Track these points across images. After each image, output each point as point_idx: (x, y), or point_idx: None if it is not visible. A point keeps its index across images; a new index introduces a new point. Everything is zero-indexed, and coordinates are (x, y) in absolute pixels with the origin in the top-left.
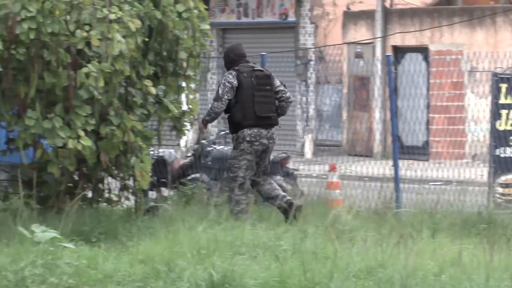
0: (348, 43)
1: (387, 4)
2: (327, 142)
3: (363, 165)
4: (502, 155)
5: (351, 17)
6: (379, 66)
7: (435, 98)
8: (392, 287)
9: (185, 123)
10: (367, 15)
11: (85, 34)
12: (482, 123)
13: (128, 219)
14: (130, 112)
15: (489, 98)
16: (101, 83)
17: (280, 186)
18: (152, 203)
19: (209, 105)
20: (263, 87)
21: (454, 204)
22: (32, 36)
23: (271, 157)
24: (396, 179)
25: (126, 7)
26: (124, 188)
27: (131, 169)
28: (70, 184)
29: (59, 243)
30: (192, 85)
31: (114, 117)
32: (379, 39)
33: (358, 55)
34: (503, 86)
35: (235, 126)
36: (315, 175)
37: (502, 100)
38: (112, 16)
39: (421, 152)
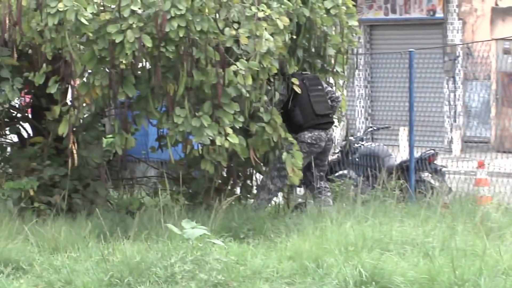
0: (496, 39)
1: None
2: (475, 138)
3: None
4: None
5: (499, 13)
6: None
7: None
8: None
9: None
10: None
11: (233, 32)
12: None
13: (276, 215)
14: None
15: None
16: (249, 81)
17: (428, 182)
18: (300, 200)
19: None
20: (316, 87)
21: None
22: (181, 34)
23: (418, 153)
24: None
25: (275, 4)
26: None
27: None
28: (219, 181)
29: (208, 240)
30: (340, 82)
31: (264, 114)
32: None
33: (506, 51)
34: None
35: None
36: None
37: None
38: (261, 14)
39: None
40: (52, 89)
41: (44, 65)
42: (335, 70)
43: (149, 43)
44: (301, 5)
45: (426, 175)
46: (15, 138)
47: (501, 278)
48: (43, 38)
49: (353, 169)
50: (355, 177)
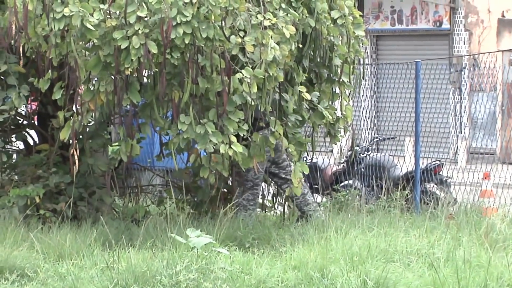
0: (503, 51)
1: None
2: (481, 149)
3: None
4: None
5: (506, 24)
6: None
7: None
8: None
9: (339, 129)
10: None
11: (239, 40)
12: None
13: (281, 225)
14: (284, 118)
15: None
16: (255, 89)
17: (433, 193)
18: (305, 209)
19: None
20: None
21: None
22: (187, 41)
23: (424, 164)
24: None
25: (281, 13)
26: (277, 194)
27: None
28: (225, 190)
29: (213, 248)
30: (346, 92)
31: (273, 123)
32: None
33: None
34: None
35: None
36: (468, 183)
37: None
38: (267, 23)
39: None
40: (57, 95)
41: (50, 71)
42: (341, 80)
43: (154, 50)
44: (307, 15)
45: (431, 186)
46: (21, 145)
47: None
48: (48, 44)
49: (359, 179)
50: (360, 187)
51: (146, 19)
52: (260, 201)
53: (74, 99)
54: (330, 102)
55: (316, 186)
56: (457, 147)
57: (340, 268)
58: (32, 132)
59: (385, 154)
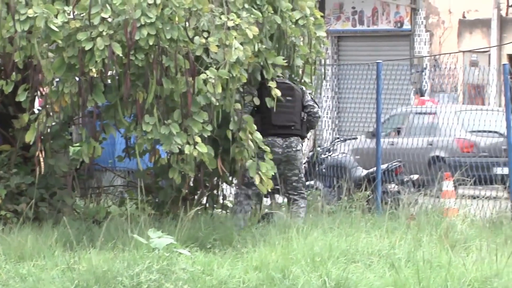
0: (464, 52)
1: (503, 13)
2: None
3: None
4: None
5: (466, 25)
6: (495, 74)
7: None
8: None
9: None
10: (482, 24)
11: (203, 40)
12: None
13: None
14: None
15: None
16: (219, 90)
17: (395, 194)
18: (266, 210)
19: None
20: (284, 97)
21: None
22: (151, 42)
23: (385, 165)
24: None
25: (244, 14)
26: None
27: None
28: (186, 191)
29: (174, 249)
30: (309, 92)
31: (233, 123)
32: (495, 47)
33: (474, 64)
34: None
35: None
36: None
37: None
38: (230, 23)
39: None
40: (21, 97)
41: (14, 73)
42: (303, 80)
43: (119, 51)
44: (272, 12)
45: (392, 187)
46: None
47: None
48: (13, 46)
49: (320, 180)
50: (322, 188)
51: (110, 20)
52: (221, 201)
53: (41, 101)
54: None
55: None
56: None
57: (302, 269)
58: None
59: (346, 154)
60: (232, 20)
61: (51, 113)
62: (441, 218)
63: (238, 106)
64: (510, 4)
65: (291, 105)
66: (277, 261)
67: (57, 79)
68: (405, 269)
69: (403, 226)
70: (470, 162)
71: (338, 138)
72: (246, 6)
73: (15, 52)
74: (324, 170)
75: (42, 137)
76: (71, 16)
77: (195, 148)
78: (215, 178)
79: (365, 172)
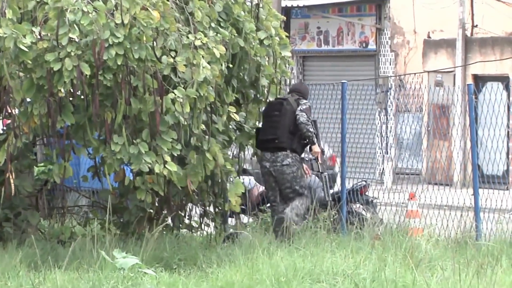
0: (429, 72)
1: (468, 33)
2: (406, 170)
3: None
4: None
5: (431, 45)
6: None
7: None
8: None
9: None
10: (447, 44)
11: (171, 60)
12: None
13: (208, 245)
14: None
15: None
16: (187, 109)
17: (359, 214)
18: (231, 230)
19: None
20: (272, 112)
21: None
22: (119, 62)
23: (350, 185)
24: (476, 208)
25: (211, 33)
26: (204, 214)
27: (213, 195)
28: (151, 210)
29: (139, 269)
30: None
31: (204, 142)
32: (460, 67)
33: (438, 84)
34: None
35: None
36: (394, 203)
37: None
38: (198, 42)
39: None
40: None
41: None
42: (268, 100)
43: (87, 71)
44: (235, 34)
45: (357, 207)
46: None
47: None
48: None
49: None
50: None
51: (78, 40)
52: (187, 221)
53: (6, 121)
54: (257, 123)
55: (243, 207)
56: (383, 168)
57: None
58: None
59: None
60: (199, 39)
61: (19, 134)
62: (405, 238)
63: (202, 127)
64: (475, 25)
65: (277, 120)
66: (242, 281)
67: (28, 100)
68: None
69: (368, 246)
70: None
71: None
72: (213, 25)
73: None
74: None
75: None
76: (39, 37)
77: (165, 167)
78: (182, 198)
79: (330, 192)
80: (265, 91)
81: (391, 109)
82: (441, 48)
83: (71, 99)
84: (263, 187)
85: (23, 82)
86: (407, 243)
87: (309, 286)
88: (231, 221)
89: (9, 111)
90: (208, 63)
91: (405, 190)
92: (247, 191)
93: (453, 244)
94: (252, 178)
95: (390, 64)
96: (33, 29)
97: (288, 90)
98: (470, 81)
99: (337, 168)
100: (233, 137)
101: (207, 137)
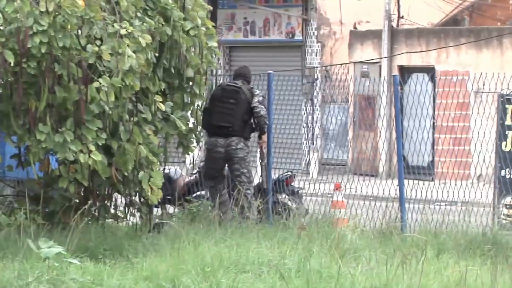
0: (355, 63)
1: (394, 24)
2: (332, 161)
3: (368, 184)
4: (508, 176)
5: (357, 36)
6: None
7: (440, 119)
8: None
9: (192, 140)
10: (373, 35)
11: (96, 48)
12: (488, 144)
13: (134, 235)
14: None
15: (495, 119)
16: (112, 98)
17: (285, 204)
18: (157, 220)
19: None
20: (226, 99)
21: (459, 225)
22: (43, 50)
23: (276, 175)
24: (401, 198)
25: (137, 22)
26: (130, 204)
27: (139, 185)
28: (77, 200)
29: (64, 259)
30: (199, 103)
31: (124, 132)
32: (386, 58)
33: (364, 75)
34: (509, 108)
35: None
36: (320, 194)
37: (508, 121)
38: (123, 31)
39: (426, 172)
40: None
41: None
42: (193, 91)
43: (11, 59)
44: (163, 23)
45: (283, 197)
46: None
47: None
48: None
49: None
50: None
51: (2, 28)
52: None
53: None
54: (184, 113)
55: (169, 197)
56: (309, 158)
57: (192, 279)
58: None
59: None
60: (125, 28)
61: None
62: (331, 228)
63: (125, 116)
64: (401, 16)
65: (232, 107)
66: (167, 271)
67: None
68: (295, 279)
69: (294, 236)
70: None
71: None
72: (139, 14)
73: None
74: None
75: None
76: None
77: (89, 156)
78: (107, 188)
79: (256, 182)
80: (190, 82)
81: (317, 100)
82: (367, 39)
83: None
84: (189, 178)
85: None
86: (332, 234)
87: (234, 276)
88: (157, 211)
89: None
90: (134, 52)
91: (330, 180)
92: (172, 181)
93: (379, 235)
94: (178, 168)
95: (316, 55)
96: None
97: (232, 75)
98: (396, 72)
99: None
100: (159, 127)
101: (130, 126)
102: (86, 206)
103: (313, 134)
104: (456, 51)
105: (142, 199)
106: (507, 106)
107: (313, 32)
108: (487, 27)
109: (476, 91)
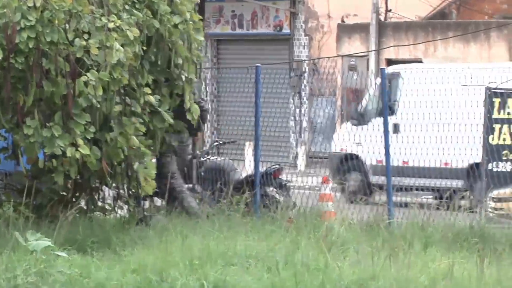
0: (342, 56)
1: (382, 18)
2: (320, 154)
3: None
4: (495, 170)
5: (345, 30)
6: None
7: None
8: None
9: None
10: (361, 28)
11: (84, 42)
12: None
13: (121, 228)
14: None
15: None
16: (100, 92)
17: (273, 197)
18: (145, 213)
19: None
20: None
21: (446, 218)
22: (31, 45)
23: (263, 168)
24: (389, 192)
25: (125, 15)
26: (118, 197)
27: (126, 177)
28: (64, 193)
29: (52, 252)
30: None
31: (116, 125)
32: (373, 52)
33: (352, 68)
34: (496, 101)
35: None
36: (307, 187)
37: (495, 115)
38: (111, 25)
39: None
40: None
41: None
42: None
43: None
44: (150, 16)
45: (271, 190)
46: None
47: None
48: None
49: (199, 183)
50: (201, 191)
51: None
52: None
53: None
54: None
55: (157, 190)
56: (297, 151)
57: (180, 272)
58: None
59: (225, 158)
60: (112, 21)
61: None
62: (319, 221)
63: (117, 108)
64: (389, 9)
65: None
66: (155, 264)
67: None
68: (283, 271)
69: (282, 229)
70: None
71: (217, 141)
72: (127, 7)
73: None
74: (203, 173)
75: None
76: None
77: (77, 150)
78: (96, 181)
79: (244, 175)
80: (182, 72)
81: (305, 93)
82: (355, 33)
83: None
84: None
85: None
86: (320, 226)
87: (222, 268)
88: (144, 204)
89: None
90: (122, 45)
91: (318, 173)
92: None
93: (366, 228)
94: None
95: (304, 48)
96: None
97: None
98: (383, 65)
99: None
100: (147, 120)
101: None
102: (74, 199)
103: (300, 127)
104: (444, 44)
105: (130, 192)
106: (494, 99)
107: (301, 25)
108: (474, 21)
109: (463, 84)
